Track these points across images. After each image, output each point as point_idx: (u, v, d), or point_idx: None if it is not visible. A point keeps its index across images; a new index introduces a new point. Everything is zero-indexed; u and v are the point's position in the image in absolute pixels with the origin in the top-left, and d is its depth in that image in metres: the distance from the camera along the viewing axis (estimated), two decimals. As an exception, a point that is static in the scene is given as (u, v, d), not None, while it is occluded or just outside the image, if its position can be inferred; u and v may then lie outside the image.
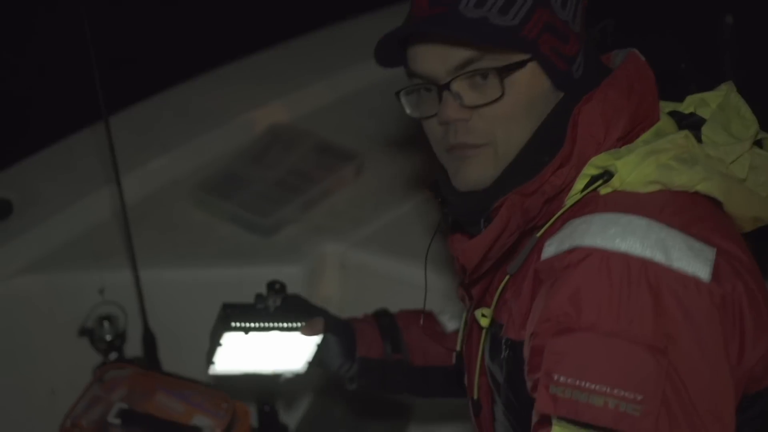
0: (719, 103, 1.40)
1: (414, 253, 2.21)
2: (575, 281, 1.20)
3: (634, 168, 1.27)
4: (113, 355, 2.15)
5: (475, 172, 1.35)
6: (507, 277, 1.33)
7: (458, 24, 1.28)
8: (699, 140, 1.34)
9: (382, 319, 1.76)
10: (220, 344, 1.68)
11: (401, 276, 2.19)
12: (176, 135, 2.53)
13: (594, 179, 1.28)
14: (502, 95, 1.30)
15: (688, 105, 1.42)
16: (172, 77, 2.75)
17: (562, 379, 1.17)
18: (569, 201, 1.30)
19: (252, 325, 1.66)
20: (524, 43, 1.29)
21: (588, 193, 1.28)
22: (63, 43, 2.66)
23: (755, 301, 1.24)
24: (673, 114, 1.41)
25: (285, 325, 1.67)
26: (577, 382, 1.16)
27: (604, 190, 1.28)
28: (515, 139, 1.32)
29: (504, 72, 1.29)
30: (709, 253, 1.22)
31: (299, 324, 1.67)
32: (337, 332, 1.69)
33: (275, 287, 1.69)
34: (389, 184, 2.46)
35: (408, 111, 1.40)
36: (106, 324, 2.14)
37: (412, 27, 1.32)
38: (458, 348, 1.57)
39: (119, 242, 2.21)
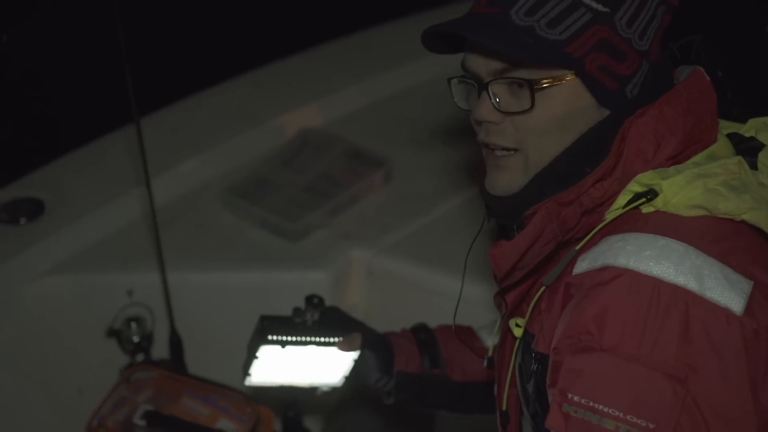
0: None
1: (441, 262, 2.22)
2: (603, 300, 1.18)
3: (680, 190, 1.24)
4: (140, 357, 2.16)
5: (505, 180, 1.34)
6: (543, 288, 1.32)
7: (503, 30, 1.26)
8: (755, 167, 1.30)
9: (420, 333, 1.74)
10: (256, 357, 1.68)
11: (428, 284, 2.19)
12: (207, 138, 2.54)
13: (637, 196, 1.25)
14: (532, 107, 1.28)
15: (750, 128, 1.38)
16: (204, 80, 2.76)
17: (576, 398, 1.16)
18: (609, 215, 1.27)
19: (289, 338, 1.65)
20: (567, 59, 1.26)
21: (630, 209, 1.25)
22: (96, 45, 2.67)
23: None
24: (732, 136, 1.37)
25: (322, 339, 1.65)
26: (591, 404, 1.15)
27: (646, 209, 1.25)
28: (547, 151, 1.30)
29: (536, 85, 1.28)
30: (746, 285, 1.19)
31: (336, 339, 1.66)
32: (375, 347, 1.68)
33: (313, 302, 1.68)
34: (417, 192, 2.46)
35: (455, 100, 1.39)
36: (133, 325, 2.16)
37: (458, 27, 1.30)
38: (489, 354, 1.56)
39: (148, 244, 2.22)
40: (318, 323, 1.66)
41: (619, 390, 1.14)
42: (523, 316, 1.37)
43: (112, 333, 2.18)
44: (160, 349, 2.13)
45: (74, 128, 2.77)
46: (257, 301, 2.23)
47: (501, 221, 1.38)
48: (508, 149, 1.32)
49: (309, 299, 1.68)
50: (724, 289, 1.17)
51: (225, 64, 2.91)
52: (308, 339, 1.65)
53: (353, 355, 1.67)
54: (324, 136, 2.60)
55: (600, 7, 1.26)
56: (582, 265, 1.24)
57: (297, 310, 1.67)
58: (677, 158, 1.28)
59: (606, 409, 1.14)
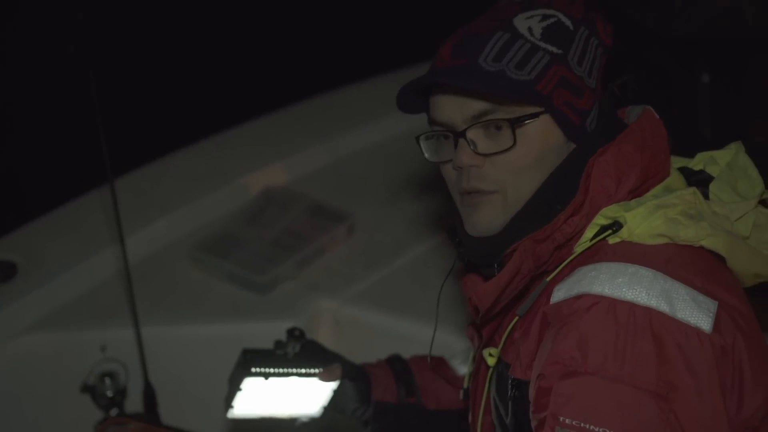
0: (728, 162, 1.44)
1: (405, 308, 2.30)
2: (583, 327, 1.25)
3: (643, 221, 1.32)
4: (114, 411, 2.20)
5: (485, 219, 1.40)
6: (516, 318, 1.38)
7: (477, 77, 1.35)
8: (707, 197, 1.39)
9: (396, 364, 1.79)
10: (240, 389, 1.72)
11: (393, 330, 2.26)
12: (175, 198, 2.61)
13: (604, 229, 1.34)
14: (514, 145, 1.36)
15: (698, 162, 1.47)
16: (171, 143, 2.84)
17: (567, 420, 1.22)
18: (579, 248, 1.35)
19: (272, 370, 1.69)
20: (538, 97, 1.35)
21: (597, 241, 1.34)
22: (65, 108, 2.74)
23: (754, 353, 1.29)
24: (682, 170, 1.46)
25: (303, 370, 1.70)
26: (583, 425, 1.21)
27: (612, 240, 1.33)
28: (525, 187, 1.38)
29: (516, 123, 1.35)
30: (712, 305, 1.27)
31: (317, 370, 1.71)
32: (354, 377, 1.73)
33: (294, 334, 1.73)
34: (380, 243, 2.54)
35: (427, 155, 1.46)
36: (107, 380, 2.20)
37: (434, 77, 1.38)
38: (465, 386, 1.62)
39: (120, 301, 2.28)
40: (298, 355, 1.71)
41: (609, 410, 1.21)
42: (495, 347, 1.43)
43: (87, 389, 2.21)
44: (135, 403, 2.17)
45: (44, 191, 2.83)
46: (228, 352, 2.28)
47: (482, 262, 1.45)
48: (488, 192, 1.39)
49: (290, 332, 1.73)
50: (693, 310, 1.26)
51: (189, 127, 3.00)
52: (290, 370, 1.70)
53: (333, 386, 1.73)
54: (287, 194, 2.68)
55: (554, 50, 1.36)
56: (558, 295, 1.31)
57: (278, 343, 1.72)
58: (637, 191, 1.37)
59: (597, 429, 1.21)
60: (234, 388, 1.73)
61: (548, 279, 1.35)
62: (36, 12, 4.00)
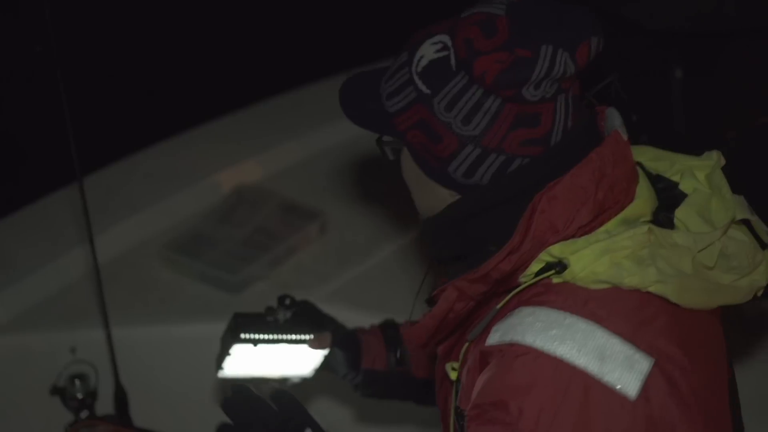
0: (706, 175, 1.36)
1: (378, 306, 2.29)
2: (508, 378, 1.23)
3: (588, 264, 1.25)
4: (84, 413, 2.17)
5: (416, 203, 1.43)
6: (467, 343, 1.35)
7: (361, 92, 1.36)
8: (671, 223, 1.31)
9: (388, 330, 1.77)
10: (229, 353, 1.71)
11: (366, 328, 2.26)
12: (145, 196, 2.60)
13: (548, 266, 1.27)
14: (393, 161, 1.38)
15: (677, 171, 1.38)
16: (141, 140, 2.82)
17: None
18: (524, 279, 1.29)
19: (261, 337, 1.69)
20: (393, 131, 1.33)
21: (541, 279, 1.27)
22: (36, 107, 2.72)
23: (688, 416, 1.24)
24: (658, 178, 1.38)
25: (293, 337, 1.70)
26: None
27: (556, 280, 1.27)
28: (417, 199, 1.39)
29: (382, 143, 1.37)
30: (646, 364, 1.22)
31: (308, 336, 1.70)
32: (344, 345, 1.72)
33: (285, 302, 1.72)
34: (352, 242, 2.54)
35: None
36: (77, 382, 2.17)
37: (340, 87, 1.40)
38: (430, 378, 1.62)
39: (90, 302, 2.26)
40: (290, 321, 1.71)
41: None
42: (457, 360, 1.40)
43: (56, 391, 2.18)
44: (105, 405, 2.15)
45: (11, 190, 2.81)
46: (200, 352, 2.27)
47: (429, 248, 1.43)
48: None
49: (281, 299, 1.72)
50: (623, 372, 1.21)
51: (159, 124, 2.98)
52: (280, 337, 1.69)
53: (324, 352, 1.72)
54: (259, 192, 2.67)
55: (423, 88, 1.29)
56: (494, 337, 1.27)
57: (269, 309, 1.71)
58: (589, 226, 1.28)
59: None
60: (223, 352, 1.72)
61: (498, 307, 1.30)
62: (2, 9, 3.95)
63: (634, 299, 1.26)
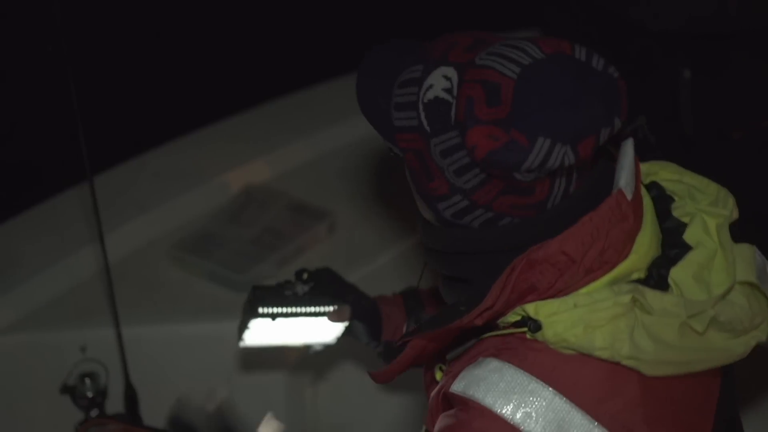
0: (718, 224, 1.28)
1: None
2: None
3: (560, 332, 1.20)
4: (94, 412, 2.18)
5: None
6: (447, 364, 1.35)
7: (374, 89, 1.30)
8: (665, 283, 1.24)
9: (410, 300, 1.74)
10: (248, 327, 1.72)
11: (375, 328, 2.26)
12: (155, 196, 2.60)
13: (523, 321, 1.23)
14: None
15: (687, 213, 1.29)
16: (150, 140, 2.83)
17: None
18: (501, 322, 1.26)
19: (279, 310, 1.68)
20: (395, 143, 1.28)
21: (516, 331, 1.24)
22: (47, 106, 2.73)
23: None
24: (668, 216, 1.30)
25: (312, 310, 1.69)
26: None
27: (530, 336, 1.23)
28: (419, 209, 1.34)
29: (390, 150, 1.31)
30: None
31: (328, 308, 1.69)
32: (364, 318, 1.70)
33: (303, 277, 1.71)
34: (360, 242, 2.54)
35: None
36: (87, 381, 2.18)
37: (358, 99, 1.33)
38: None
39: (100, 301, 2.26)
40: (309, 293, 1.70)
41: None
42: (444, 363, 1.39)
43: (66, 390, 2.19)
44: (115, 404, 2.16)
45: (22, 189, 2.82)
46: (209, 351, 2.30)
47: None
48: None
49: (298, 274, 1.72)
50: None
51: (169, 124, 2.98)
52: (298, 310, 1.68)
53: (343, 325, 1.72)
54: (268, 192, 2.68)
55: (425, 123, 1.23)
56: (459, 385, 1.25)
57: (288, 283, 1.71)
58: (570, 288, 1.23)
59: None
60: (242, 325, 1.73)
61: (479, 338, 1.28)
62: (13, 10, 3.97)
63: (603, 369, 1.21)
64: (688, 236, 1.27)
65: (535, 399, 1.20)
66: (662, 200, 1.32)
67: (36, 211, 2.57)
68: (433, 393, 1.34)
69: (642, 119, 1.35)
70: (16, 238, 2.46)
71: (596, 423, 1.20)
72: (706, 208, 1.30)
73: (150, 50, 4.22)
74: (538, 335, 1.21)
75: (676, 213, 1.30)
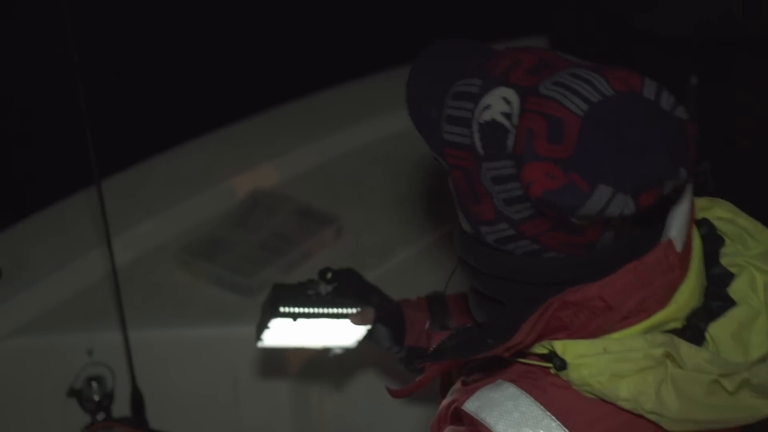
0: (766, 282, 1.22)
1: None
2: None
3: (586, 377, 1.17)
4: (101, 415, 2.19)
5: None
6: (465, 365, 1.33)
7: (426, 108, 1.24)
8: (701, 337, 1.20)
9: (434, 304, 1.69)
10: (267, 327, 1.66)
11: (381, 333, 2.26)
12: (162, 200, 2.61)
13: (549, 356, 1.19)
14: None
15: (735, 264, 1.24)
16: (158, 144, 2.83)
17: None
18: (526, 351, 1.22)
19: (301, 311, 1.63)
20: (442, 157, 1.23)
21: (541, 364, 1.21)
22: (55, 110, 2.73)
23: None
24: (715, 262, 1.25)
25: (335, 311, 1.64)
26: None
27: (553, 371, 1.20)
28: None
29: (436, 161, 1.26)
30: None
31: (350, 310, 1.64)
32: (387, 322, 1.65)
33: (326, 276, 1.65)
34: (367, 246, 2.54)
35: None
36: (94, 384, 2.19)
37: (407, 102, 1.27)
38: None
39: (107, 304, 2.27)
40: (332, 294, 1.65)
41: None
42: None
43: (73, 393, 2.20)
44: (122, 407, 2.16)
45: (29, 193, 2.82)
46: (216, 355, 2.30)
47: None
48: None
49: (322, 273, 1.66)
50: None
51: (176, 128, 2.99)
52: (320, 311, 1.63)
53: (366, 328, 1.67)
54: (275, 196, 2.68)
55: (478, 145, 1.17)
56: (473, 404, 1.23)
57: (310, 282, 1.66)
58: (602, 330, 1.19)
59: None
60: (261, 325, 1.67)
61: (500, 353, 1.22)
62: (21, 12, 3.98)
63: (622, 418, 1.18)
64: (734, 290, 1.22)
65: None
66: (712, 240, 1.26)
67: (44, 214, 2.58)
68: (444, 402, 1.32)
69: (706, 165, 1.29)
70: (23, 241, 2.47)
71: None
72: (756, 261, 1.24)
73: (158, 54, 4.23)
74: (563, 374, 1.18)
75: (724, 261, 1.25)
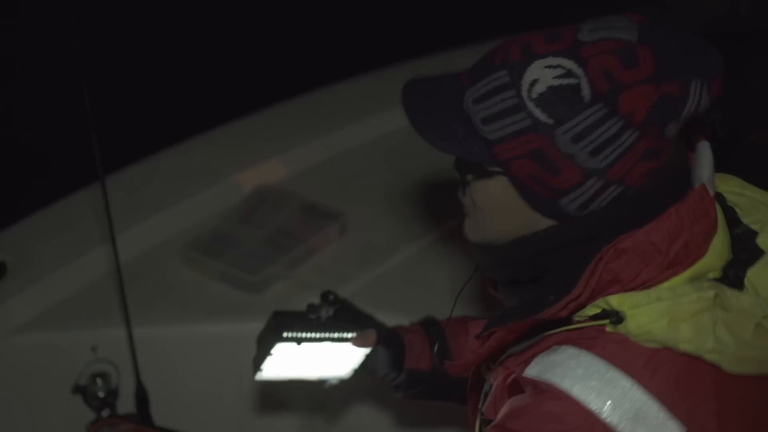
0: None
1: (397, 308, 2.30)
2: (537, 415, 1.22)
3: (646, 323, 1.21)
4: (106, 412, 2.19)
5: (466, 228, 1.39)
6: (506, 355, 1.35)
7: (443, 109, 1.28)
8: (741, 283, 1.26)
9: (431, 328, 1.74)
10: (270, 353, 1.65)
11: (386, 330, 2.25)
12: (167, 196, 2.61)
13: (604, 314, 1.23)
14: (467, 187, 1.33)
15: (757, 221, 1.32)
16: (162, 140, 2.83)
17: None
18: (577, 318, 1.27)
19: (304, 335, 1.63)
20: (491, 159, 1.25)
21: (595, 324, 1.24)
22: (59, 107, 2.73)
23: None
24: (737, 224, 1.31)
25: (337, 335, 1.65)
26: None
27: (609, 329, 1.24)
28: (490, 229, 1.34)
29: (464, 170, 1.32)
30: None
31: (351, 335, 1.66)
32: (388, 344, 1.69)
33: (329, 298, 1.67)
34: (373, 243, 2.54)
35: None
36: (99, 381, 2.19)
37: (405, 97, 1.31)
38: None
39: (112, 301, 2.27)
40: (331, 318, 1.66)
41: None
42: (494, 362, 1.40)
43: (78, 389, 2.21)
44: (126, 404, 2.16)
45: (34, 190, 2.82)
46: (221, 352, 2.30)
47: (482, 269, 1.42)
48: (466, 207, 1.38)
49: (324, 295, 1.68)
50: None
51: (181, 124, 2.99)
52: (323, 335, 1.64)
53: (366, 350, 1.68)
54: (280, 192, 2.68)
55: (542, 117, 1.21)
56: (534, 369, 1.26)
57: (311, 306, 1.67)
58: (654, 280, 1.24)
59: None
60: (264, 351, 1.66)
61: (546, 333, 1.30)
62: (27, 11, 3.98)
63: (682, 363, 1.22)
64: (761, 241, 1.30)
65: (612, 387, 1.20)
66: (727, 210, 1.33)
67: (49, 211, 2.58)
68: (496, 381, 1.34)
69: (719, 113, 1.33)
70: (28, 238, 2.47)
71: (671, 415, 1.20)
72: None
73: (163, 50, 4.23)
74: (621, 327, 1.22)
75: (745, 221, 1.32)
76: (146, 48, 4.23)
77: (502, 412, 1.28)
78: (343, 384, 1.82)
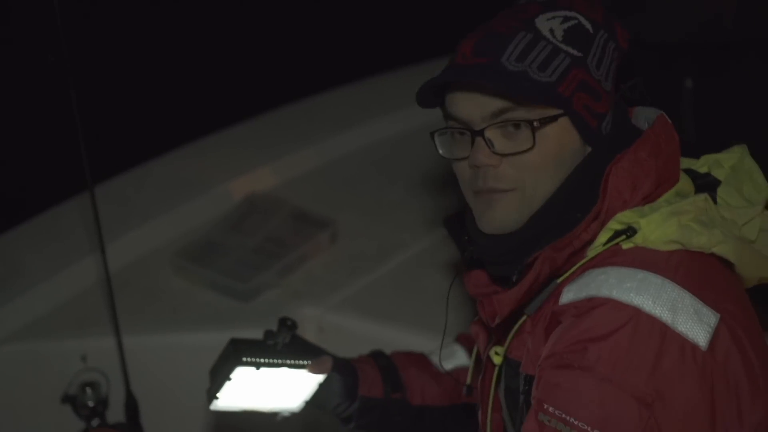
0: (732, 165, 1.46)
1: (388, 315, 2.30)
2: (585, 325, 1.28)
3: (657, 227, 1.34)
4: (95, 421, 2.18)
5: (500, 216, 1.40)
6: (524, 317, 1.40)
7: (499, 75, 1.36)
8: (714, 201, 1.41)
9: (380, 359, 1.79)
10: (229, 378, 1.68)
11: (377, 337, 2.24)
12: (156, 205, 2.60)
13: (618, 234, 1.35)
14: (533, 146, 1.37)
15: (703, 164, 1.49)
16: (152, 148, 2.83)
17: (551, 409, 1.26)
18: (591, 252, 1.36)
19: (264, 360, 1.67)
20: (559, 99, 1.37)
21: (610, 246, 1.35)
22: (48, 115, 2.73)
23: (750, 368, 1.31)
24: (688, 172, 1.47)
25: (294, 362, 1.68)
26: (564, 416, 1.25)
27: (625, 245, 1.35)
28: (542, 188, 1.39)
29: (537, 125, 1.37)
30: (713, 319, 1.29)
31: (308, 361, 1.69)
32: (342, 371, 1.72)
33: (287, 324, 1.70)
34: (363, 251, 2.54)
35: (441, 152, 1.45)
36: (88, 390, 2.18)
37: (458, 74, 1.39)
38: (468, 382, 1.64)
39: (101, 310, 2.26)
40: (288, 346, 1.69)
41: (590, 407, 1.25)
42: (501, 345, 1.44)
43: (67, 399, 2.20)
44: (116, 413, 2.15)
45: (23, 199, 2.82)
46: (211, 360, 2.27)
47: (496, 261, 1.45)
48: (505, 191, 1.39)
49: (282, 321, 1.70)
50: (693, 323, 1.28)
51: (171, 132, 2.98)
52: (281, 361, 1.67)
53: (319, 379, 1.71)
54: (270, 200, 2.67)
55: (575, 52, 1.38)
56: (568, 296, 1.33)
57: (269, 333, 1.70)
58: (650, 197, 1.38)
59: (576, 422, 1.24)
60: (222, 378, 1.69)
61: (558, 281, 1.37)
62: (14, 19, 3.98)
63: (699, 260, 1.34)
64: (714, 174, 1.46)
65: (647, 284, 1.29)
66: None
67: (38, 220, 2.57)
68: (538, 330, 1.38)
69: (639, 79, 1.49)
70: (17, 247, 2.46)
71: (702, 303, 1.29)
72: (717, 156, 1.48)
73: (153, 58, 4.23)
74: (636, 238, 1.34)
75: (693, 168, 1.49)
76: (137, 56, 4.23)
77: (548, 346, 1.32)
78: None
